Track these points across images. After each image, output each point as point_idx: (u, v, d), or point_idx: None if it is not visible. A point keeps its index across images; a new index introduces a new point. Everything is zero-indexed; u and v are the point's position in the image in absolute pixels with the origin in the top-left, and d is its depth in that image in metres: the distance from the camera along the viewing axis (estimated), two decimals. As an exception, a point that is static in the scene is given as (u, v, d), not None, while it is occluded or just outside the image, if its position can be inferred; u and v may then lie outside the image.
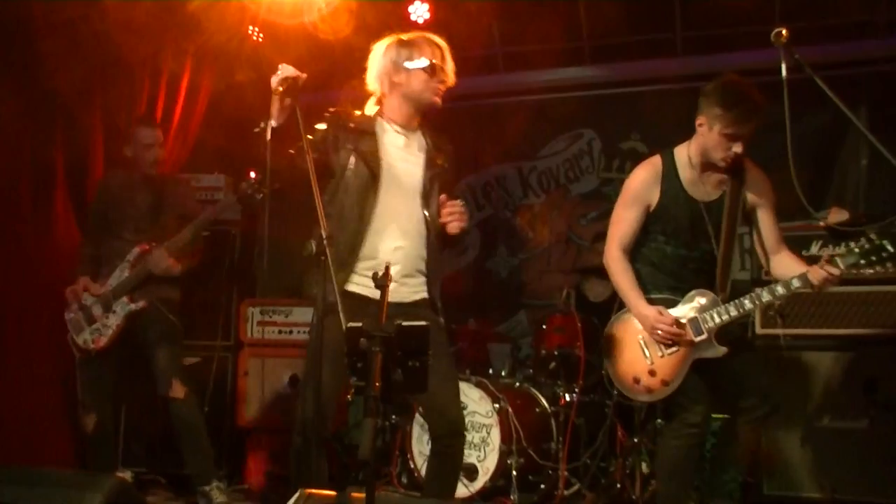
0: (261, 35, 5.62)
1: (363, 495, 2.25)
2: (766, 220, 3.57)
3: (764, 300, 3.41)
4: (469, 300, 6.56)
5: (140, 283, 4.44)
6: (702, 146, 3.45)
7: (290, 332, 5.36)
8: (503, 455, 4.61)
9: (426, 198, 3.32)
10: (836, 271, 3.26)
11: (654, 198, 3.55)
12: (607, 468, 4.92)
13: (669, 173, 3.55)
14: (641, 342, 3.56)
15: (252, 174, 4.29)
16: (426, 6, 5.82)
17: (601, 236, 5.99)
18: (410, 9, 5.82)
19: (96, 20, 4.65)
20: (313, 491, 2.48)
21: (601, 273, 5.68)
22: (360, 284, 3.19)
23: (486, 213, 7.01)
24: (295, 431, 3.13)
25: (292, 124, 3.02)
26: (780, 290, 3.37)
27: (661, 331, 3.44)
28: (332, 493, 2.47)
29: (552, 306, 5.78)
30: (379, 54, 3.36)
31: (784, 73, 2.93)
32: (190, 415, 4.45)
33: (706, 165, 3.49)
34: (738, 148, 3.34)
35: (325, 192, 3.20)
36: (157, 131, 4.70)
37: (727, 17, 5.81)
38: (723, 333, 3.48)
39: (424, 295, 3.32)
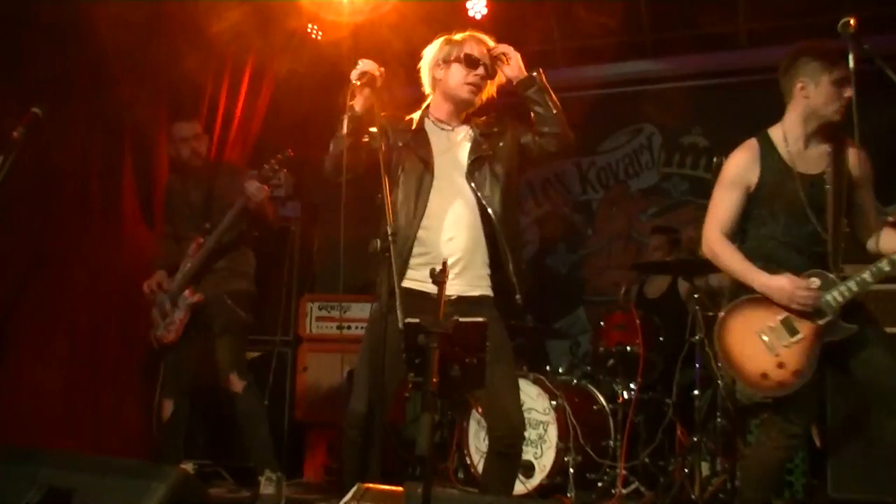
0: (320, 33, 5.69)
1: (420, 490, 2.26)
2: (867, 198, 3.38)
3: (885, 270, 3.15)
4: (527, 296, 6.53)
5: (201, 272, 4.50)
6: (806, 111, 3.29)
7: (349, 327, 5.41)
8: (560, 452, 4.59)
9: (479, 186, 3.28)
10: None
11: (754, 178, 3.37)
12: (666, 467, 4.87)
13: (768, 152, 3.37)
14: (761, 334, 3.30)
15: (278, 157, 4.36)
16: (484, 1, 5.81)
17: (658, 230, 5.97)
18: (468, 4, 5.82)
19: (159, 18, 4.75)
20: (370, 485, 2.49)
21: (662, 269, 5.69)
22: (415, 279, 3.20)
23: (545, 209, 6.98)
24: (346, 426, 3.17)
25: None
26: (886, 267, 3.15)
27: (802, 296, 3.19)
28: (389, 487, 2.49)
29: (611, 303, 5.74)
30: (428, 53, 3.41)
31: (851, 64, 2.85)
32: (248, 407, 4.48)
33: (810, 136, 3.33)
34: (849, 92, 3.17)
35: (379, 190, 3.23)
36: (193, 124, 4.69)
37: (792, 8, 5.68)
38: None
39: (487, 291, 3.30)
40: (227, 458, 5.21)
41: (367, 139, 3.22)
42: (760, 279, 3.28)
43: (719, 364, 3.45)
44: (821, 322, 3.22)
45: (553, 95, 3.36)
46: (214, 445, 5.27)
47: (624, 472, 4.69)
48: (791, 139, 3.34)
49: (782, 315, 3.26)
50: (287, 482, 4.86)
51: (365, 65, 3.14)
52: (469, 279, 3.26)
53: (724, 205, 3.42)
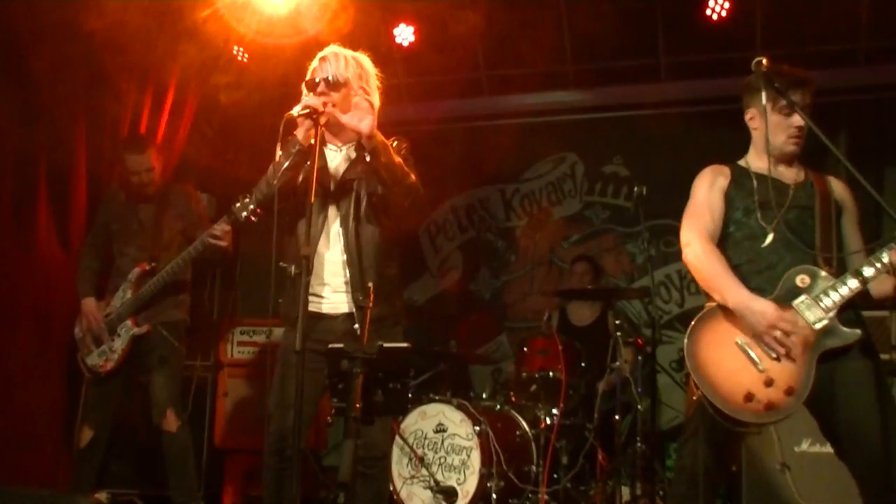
0: (246, 56, 5.66)
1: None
2: (851, 223, 3.07)
3: (885, 263, 2.75)
4: (451, 322, 6.56)
5: (144, 305, 4.36)
6: (760, 143, 3.08)
7: (271, 352, 5.33)
8: (483, 478, 4.59)
9: (344, 211, 3.26)
10: None
11: (726, 180, 3.06)
12: (587, 492, 4.91)
13: (737, 169, 3.12)
14: (742, 345, 2.85)
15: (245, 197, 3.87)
16: (411, 29, 5.89)
17: (581, 258, 6.07)
18: (396, 31, 5.89)
19: (83, 36, 4.64)
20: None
21: (583, 296, 5.78)
22: (312, 302, 3.19)
23: (469, 235, 7.02)
24: (266, 452, 3.14)
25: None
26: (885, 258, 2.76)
27: (785, 328, 2.78)
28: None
29: (534, 328, 5.79)
30: None
31: (764, 100, 2.95)
32: (180, 447, 4.38)
33: (773, 165, 3.04)
34: (796, 121, 2.96)
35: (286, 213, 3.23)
36: (145, 155, 4.49)
37: (709, 44, 5.87)
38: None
39: (347, 309, 3.22)
40: (142, 487, 5.06)
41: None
42: (741, 297, 2.85)
43: (696, 385, 2.88)
44: (816, 326, 2.80)
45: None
46: (129, 473, 5.12)
47: (546, 497, 4.72)
48: (755, 169, 3.09)
49: None
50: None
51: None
52: (335, 301, 3.23)
53: (703, 208, 3.07)
